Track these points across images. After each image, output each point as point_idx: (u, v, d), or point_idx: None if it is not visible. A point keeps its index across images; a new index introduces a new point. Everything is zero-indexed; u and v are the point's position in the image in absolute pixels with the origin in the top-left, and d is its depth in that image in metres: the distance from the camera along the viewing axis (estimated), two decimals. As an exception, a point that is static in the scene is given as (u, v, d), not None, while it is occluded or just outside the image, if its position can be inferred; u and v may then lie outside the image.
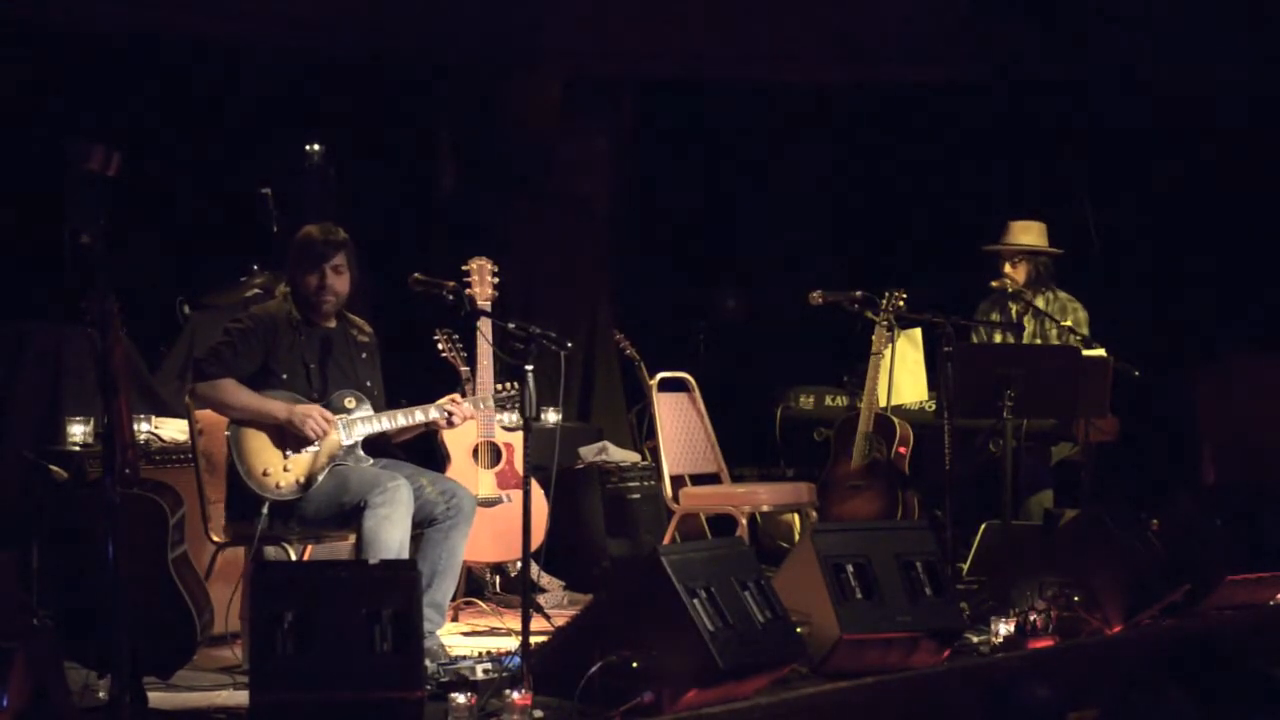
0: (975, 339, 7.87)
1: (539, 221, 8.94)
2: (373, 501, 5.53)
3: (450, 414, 5.88)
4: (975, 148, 9.23)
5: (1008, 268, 7.86)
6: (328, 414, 5.69)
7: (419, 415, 5.85)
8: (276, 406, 5.66)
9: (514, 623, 5.90)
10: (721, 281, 10.15)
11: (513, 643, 5.58)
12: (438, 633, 5.67)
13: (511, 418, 6.68)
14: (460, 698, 4.62)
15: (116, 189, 6.78)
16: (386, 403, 5.94)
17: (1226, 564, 6.43)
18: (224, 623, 5.64)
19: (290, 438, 5.65)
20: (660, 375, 7.57)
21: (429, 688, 4.78)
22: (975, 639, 5.77)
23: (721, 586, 4.91)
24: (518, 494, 6.19)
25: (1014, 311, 7.88)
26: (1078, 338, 7.59)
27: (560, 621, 5.75)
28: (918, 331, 7.66)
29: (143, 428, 6.33)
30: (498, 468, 6.68)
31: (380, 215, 8.23)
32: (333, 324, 5.88)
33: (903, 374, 7.61)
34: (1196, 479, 8.20)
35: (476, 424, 6.61)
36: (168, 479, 5.54)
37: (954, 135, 9.30)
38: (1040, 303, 7.86)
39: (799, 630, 5.16)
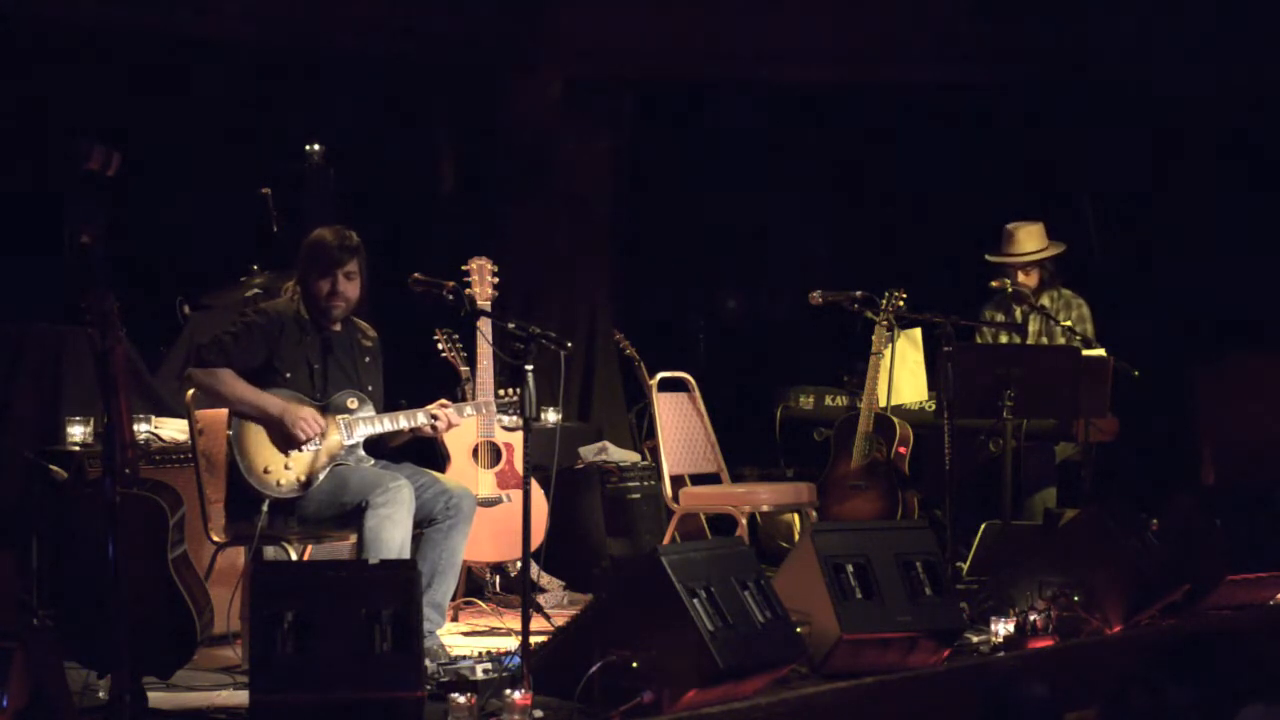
0: (980, 340, 7.86)
1: (539, 221, 8.94)
2: (374, 501, 5.53)
3: (435, 419, 5.87)
4: (975, 147, 9.24)
5: (1021, 276, 7.83)
6: (320, 418, 5.68)
7: (420, 418, 5.85)
8: (271, 402, 5.64)
9: (514, 623, 5.90)
10: (721, 281, 10.15)
11: (513, 643, 5.58)
12: (438, 633, 5.67)
13: (511, 418, 6.68)
14: (460, 698, 4.62)
15: (116, 189, 6.78)
16: (386, 405, 5.94)
17: (1226, 564, 6.43)
18: (224, 623, 5.64)
19: (284, 438, 5.64)
20: (660, 375, 7.57)
21: (429, 688, 4.78)
22: (975, 639, 5.77)
23: (721, 586, 4.92)
24: (518, 494, 6.19)
25: (1019, 313, 7.87)
26: (1078, 338, 7.59)
27: (560, 621, 5.75)
28: (918, 331, 7.66)
29: (143, 428, 6.33)
30: (498, 467, 6.68)
31: (380, 215, 8.22)
32: (338, 326, 5.88)
33: (903, 374, 7.62)
34: (1196, 479, 8.20)
35: (476, 424, 6.61)
36: (168, 479, 5.54)
37: (954, 135, 9.30)
38: (1045, 300, 7.86)
39: (799, 630, 5.16)
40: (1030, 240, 7.89)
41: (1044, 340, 7.81)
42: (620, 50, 8.95)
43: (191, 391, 5.83)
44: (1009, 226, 7.89)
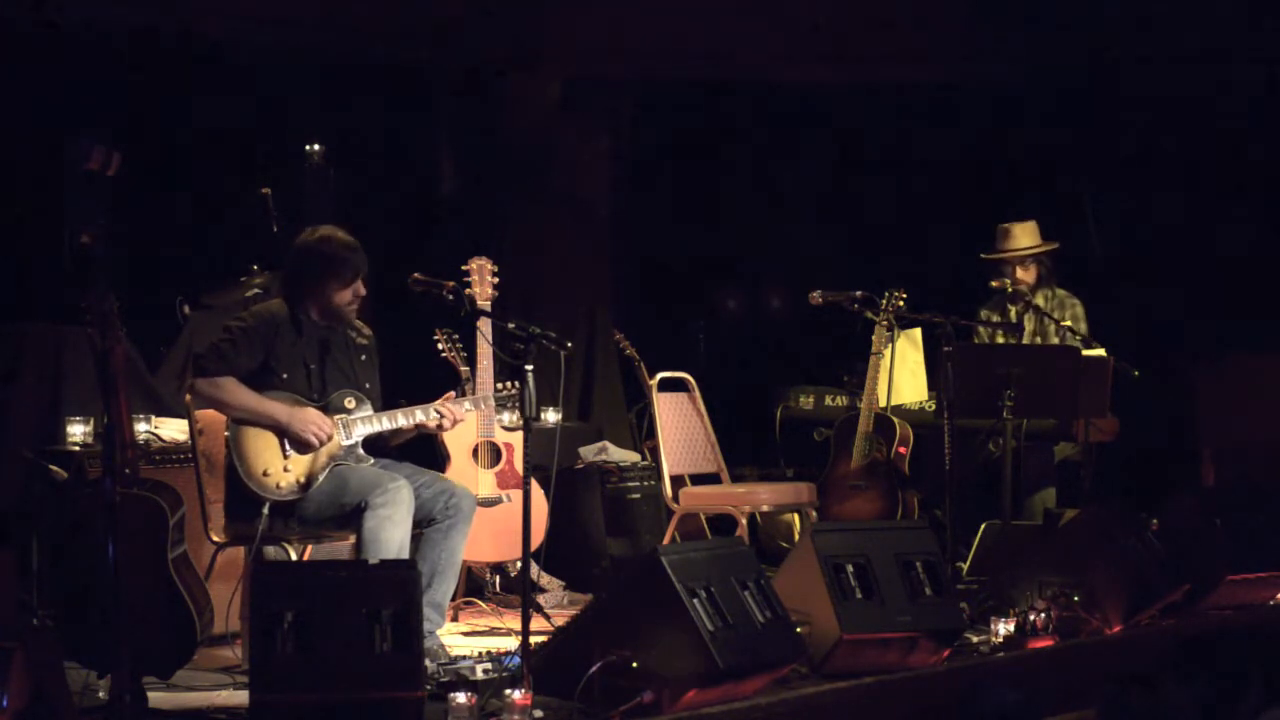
0: (976, 340, 7.87)
1: (539, 221, 8.94)
2: (374, 502, 5.53)
3: (441, 416, 5.86)
4: (974, 147, 9.24)
5: (1019, 272, 7.85)
6: (327, 420, 5.68)
7: (418, 415, 5.85)
8: (277, 409, 5.65)
9: (514, 623, 5.90)
10: (721, 282, 10.15)
11: (513, 643, 5.58)
12: (438, 633, 5.67)
13: (511, 417, 6.69)
14: (460, 698, 4.62)
15: (116, 189, 6.78)
16: (384, 404, 5.93)
17: (1226, 564, 6.43)
18: (224, 623, 5.64)
19: (294, 442, 5.65)
20: (660, 375, 7.57)
21: (429, 688, 4.78)
22: (975, 639, 5.77)
23: (721, 586, 4.92)
24: (518, 494, 6.19)
25: (1014, 313, 7.88)
26: (1077, 337, 7.60)
27: (560, 621, 5.75)
28: (918, 331, 7.66)
29: (142, 428, 6.33)
30: (498, 467, 6.68)
31: (380, 215, 8.22)
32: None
33: (903, 374, 7.62)
34: (1196, 479, 8.20)
35: (476, 424, 6.61)
36: (168, 479, 5.54)
37: (954, 135, 9.30)
38: (1040, 300, 7.87)
39: (799, 630, 5.16)
40: (1025, 236, 7.92)
41: (1039, 340, 7.82)
42: (620, 50, 8.95)
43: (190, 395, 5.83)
44: (1002, 225, 7.92)
